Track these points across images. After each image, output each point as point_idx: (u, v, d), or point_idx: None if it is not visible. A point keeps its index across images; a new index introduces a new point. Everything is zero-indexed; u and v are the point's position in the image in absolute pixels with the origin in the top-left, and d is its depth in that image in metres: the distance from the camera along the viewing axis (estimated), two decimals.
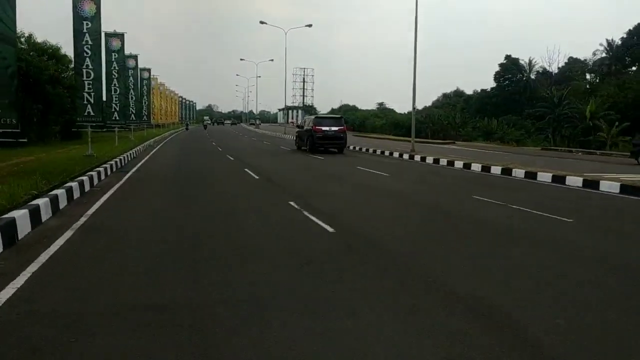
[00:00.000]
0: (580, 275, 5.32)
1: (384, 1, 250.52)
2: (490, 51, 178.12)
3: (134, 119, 29.10)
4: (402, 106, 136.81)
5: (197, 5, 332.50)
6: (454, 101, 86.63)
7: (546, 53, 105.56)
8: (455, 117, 56.81)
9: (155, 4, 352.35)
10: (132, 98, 28.16)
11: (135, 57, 28.78)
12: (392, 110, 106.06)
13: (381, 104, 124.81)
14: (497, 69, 75.83)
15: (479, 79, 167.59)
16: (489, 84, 78.63)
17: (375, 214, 8.84)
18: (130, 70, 28.16)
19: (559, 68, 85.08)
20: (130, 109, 28.72)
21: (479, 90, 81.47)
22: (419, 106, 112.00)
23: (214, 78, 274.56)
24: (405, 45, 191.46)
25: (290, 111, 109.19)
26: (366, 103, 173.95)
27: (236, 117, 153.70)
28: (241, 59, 69.45)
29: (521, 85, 75.19)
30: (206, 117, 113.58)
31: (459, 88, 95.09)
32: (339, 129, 25.35)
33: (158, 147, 27.34)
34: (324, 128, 25.05)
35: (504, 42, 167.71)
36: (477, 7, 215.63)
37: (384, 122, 65.06)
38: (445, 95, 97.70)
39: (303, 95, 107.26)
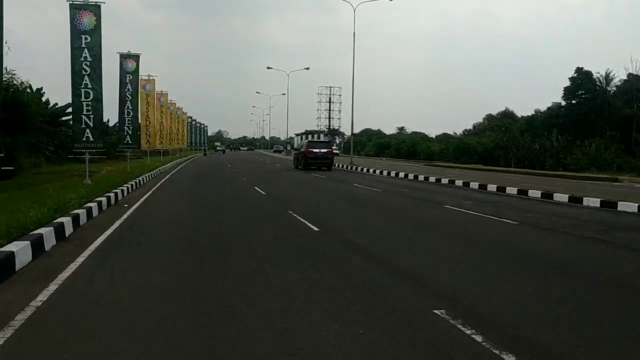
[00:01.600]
0: None
1: (394, 26, 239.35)
2: (538, 69, 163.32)
3: (90, 139, 13.38)
4: (427, 130, 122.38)
5: (209, 28, 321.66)
6: (506, 123, 71.33)
7: (631, 64, 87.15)
8: (552, 140, 41.28)
9: (165, 26, 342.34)
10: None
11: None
12: (423, 134, 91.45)
13: (402, 128, 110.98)
14: (566, 84, 61.00)
15: (529, 98, 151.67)
16: (540, 103, 63.57)
17: None
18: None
19: (616, 86, 69.40)
20: (85, 118, 13.19)
21: (542, 110, 66.44)
22: (456, 130, 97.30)
23: (225, 103, 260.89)
24: (421, 68, 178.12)
25: (310, 136, 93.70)
26: (384, 127, 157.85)
27: (247, 143, 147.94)
28: (268, 67, 53.42)
29: (597, 103, 59.73)
30: (217, 143, 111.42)
31: (508, 108, 79.67)
32: (327, 151, 28.94)
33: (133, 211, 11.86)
34: (315, 150, 28.42)
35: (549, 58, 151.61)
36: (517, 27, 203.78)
37: (444, 147, 49.54)
38: (491, 117, 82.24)
39: (329, 117, 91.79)
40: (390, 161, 49.21)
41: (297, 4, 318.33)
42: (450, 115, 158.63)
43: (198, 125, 77.77)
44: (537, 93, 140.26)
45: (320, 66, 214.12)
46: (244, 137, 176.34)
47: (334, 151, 75.38)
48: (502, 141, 43.66)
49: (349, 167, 31.36)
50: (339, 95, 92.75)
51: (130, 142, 20.19)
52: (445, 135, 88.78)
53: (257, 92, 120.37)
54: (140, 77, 25.75)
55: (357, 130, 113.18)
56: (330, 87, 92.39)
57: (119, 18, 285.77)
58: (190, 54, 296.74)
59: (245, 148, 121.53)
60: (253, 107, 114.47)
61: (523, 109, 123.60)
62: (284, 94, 64.37)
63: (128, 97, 19.51)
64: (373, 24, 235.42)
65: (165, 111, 33.59)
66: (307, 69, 53.14)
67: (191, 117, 64.26)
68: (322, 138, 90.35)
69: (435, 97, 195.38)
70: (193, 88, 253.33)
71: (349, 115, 35.56)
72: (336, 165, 34.24)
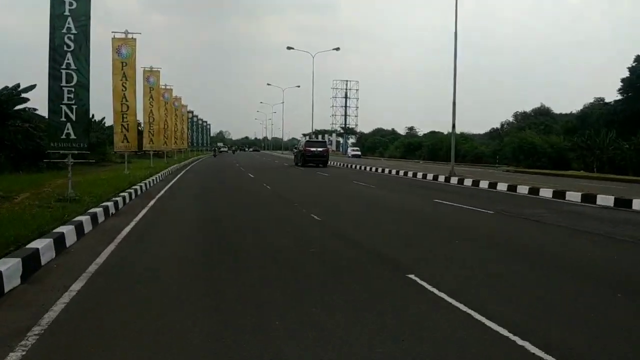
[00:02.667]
0: None
1: (396, 26, 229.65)
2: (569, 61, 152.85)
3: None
4: (439, 129, 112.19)
5: (210, 29, 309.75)
6: (545, 120, 61.61)
7: None
8: None
9: (165, 27, 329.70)
10: None
11: None
12: (442, 133, 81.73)
13: (411, 128, 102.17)
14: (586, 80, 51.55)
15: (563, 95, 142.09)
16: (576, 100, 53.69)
17: None
18: None
19: None
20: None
21: (588, 104, 56.74)
22: (483, 130, 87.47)
23: (226, 103, 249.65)
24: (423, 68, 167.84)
25: (321, 136, 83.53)
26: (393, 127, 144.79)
27: (250, 144, 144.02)
28: (289, 47, 42.46)
29: None
30: (220, 144, 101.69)
31: (543, 105, 69.81)
32: (323, 150, 31.43)
33: None
34: (312, 149, 30.77)
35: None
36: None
37: (497, 147, 39.81)
38: (523, 115, 72.36)
39: (345, 115, 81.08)
40: (445, 166, 39.22)
41: (299, 4, 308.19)
42: (488, 113, 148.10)
43: (201, 122, 66.71)
44: (563, 91, 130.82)
45: (323, 65, 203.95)
46: (246, 137, 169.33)
47: (356, 152, 66.66)
48: (581, 141, 34.01)
49: (453, 181, 19.74)
50: (356, 90, 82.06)
51: (73, 136, 9.13)
52: (462, 135, 79.49)
53: (268, 84, 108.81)
54: (113, 35, 15.80)
55: (368, 130, 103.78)
56: (347, 80, 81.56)
57: (119, 20, 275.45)
58: (190, 55, 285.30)
59: (251, 149, 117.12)
60: (260, 102, 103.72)
61: (554, 107, 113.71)
62: (298, 86, 54.49)
63: (68, 47, 8.88)
64: (375, 26, 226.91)
65: (157, 97, 23.47)
66: (337, 49, 42.82)
67: (192, 112, 53.71)
68: (337, 139, 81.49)
69: (436, 98, 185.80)
70: (193, 88, 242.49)
71: (365, 113, 25.62)
72: (428, 177, 22.19)
